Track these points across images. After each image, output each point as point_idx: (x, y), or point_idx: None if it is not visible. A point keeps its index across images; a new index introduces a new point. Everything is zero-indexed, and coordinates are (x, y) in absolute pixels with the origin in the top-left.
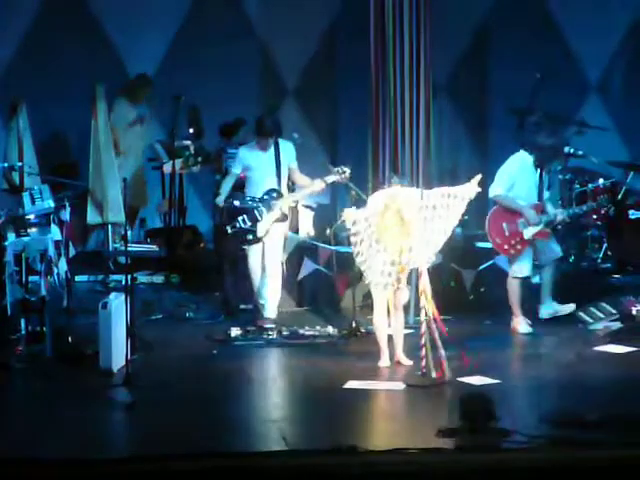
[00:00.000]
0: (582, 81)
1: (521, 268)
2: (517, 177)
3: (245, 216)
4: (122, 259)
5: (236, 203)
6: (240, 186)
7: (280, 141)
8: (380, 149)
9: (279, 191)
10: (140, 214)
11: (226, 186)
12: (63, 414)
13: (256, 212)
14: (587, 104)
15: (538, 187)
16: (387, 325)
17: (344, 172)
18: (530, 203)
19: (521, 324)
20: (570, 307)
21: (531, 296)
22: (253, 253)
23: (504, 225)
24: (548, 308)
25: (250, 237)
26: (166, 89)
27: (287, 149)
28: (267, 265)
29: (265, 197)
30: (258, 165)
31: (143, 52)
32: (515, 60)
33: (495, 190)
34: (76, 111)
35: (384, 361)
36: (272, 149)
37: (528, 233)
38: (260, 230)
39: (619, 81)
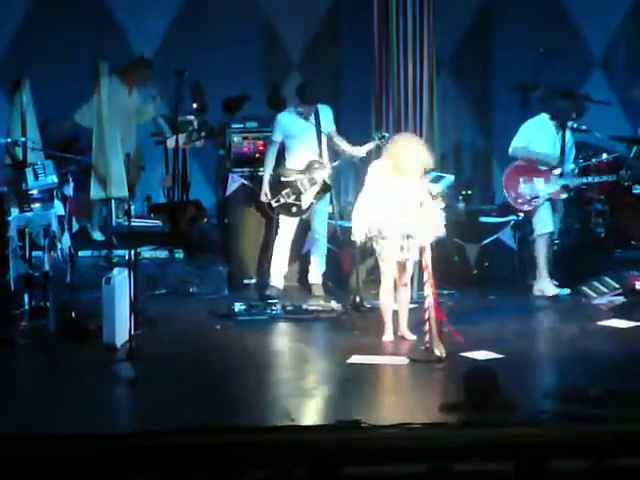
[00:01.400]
0: (586, 57)
1: (544, 223)
2: (534, 135)
3: (289, 189)
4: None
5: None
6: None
7: (319, 106)
8: (384, 125)
9: (321, 162)
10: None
11: (270, 159)
12: (66, 389)
13: (299, 185)
14: (591, 80)
15: (560, 152)
16: (393, 300)
17: (383, 137)
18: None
19: (548, 286)
20: (564, 291)
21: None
22: (286, 228)
23: (521, 180)
24: (540, 285)
25: (294, 210)
26: (170, 64)
27: (326, 114)
28: (315, 233)
29: (307, 169)
30: (299, 133)
31: (147, 29)
32: (519, 37)
33: (513, 144)
34: (80, 88)
35: (388, 336)
36: (313, 117)
37: (545, 191)
38: (304, 202)
39: (623, 57)
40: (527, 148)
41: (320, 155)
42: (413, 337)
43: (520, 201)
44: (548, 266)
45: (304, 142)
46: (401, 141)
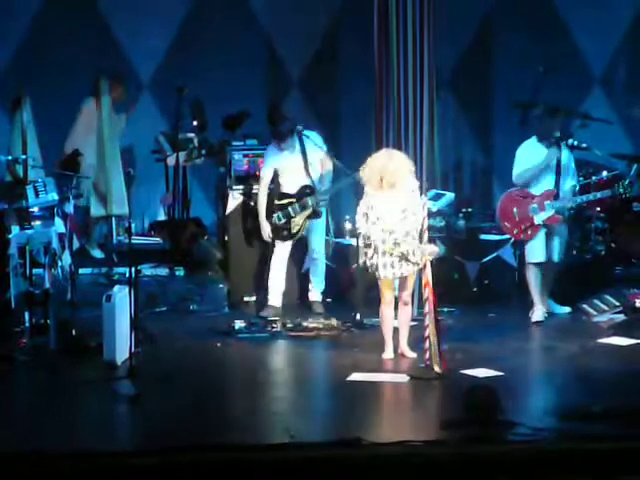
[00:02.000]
0: (586, 74)
1: (534, 253)
2: (527, 159)
3: (280, 213)
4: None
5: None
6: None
7: (304, 135)
8: (384, 143)
9: (312, 187)
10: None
11: (262, 198)
12: (67, 406)
13: (290, 209)
14: (591, 97)
15: (555, 173)
16: (393, 318)
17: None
18: (544, 190)
19: (535, 312)
20: (564, 309)
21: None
22: (280, 249)
23: (514, 210)
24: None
25: (285, 233)
26: (170, 82)
27: (312, 140)
28: (314, 252)
29: (298, 194)
30: (287, 165)
31: (147, 46)
32: (519, 55)
33: (513, 173)
34: (79, 106)
35: (388, 353)
36: (298, 146)
37: (539, 218)
38: (294, 227)
39: (623, 74)
40: (525, 170)
41: (312, 180)
42: (413, 355)
43: (515, 231)
44: (543, 292)
45: (293, 171)
46: (370, 159)
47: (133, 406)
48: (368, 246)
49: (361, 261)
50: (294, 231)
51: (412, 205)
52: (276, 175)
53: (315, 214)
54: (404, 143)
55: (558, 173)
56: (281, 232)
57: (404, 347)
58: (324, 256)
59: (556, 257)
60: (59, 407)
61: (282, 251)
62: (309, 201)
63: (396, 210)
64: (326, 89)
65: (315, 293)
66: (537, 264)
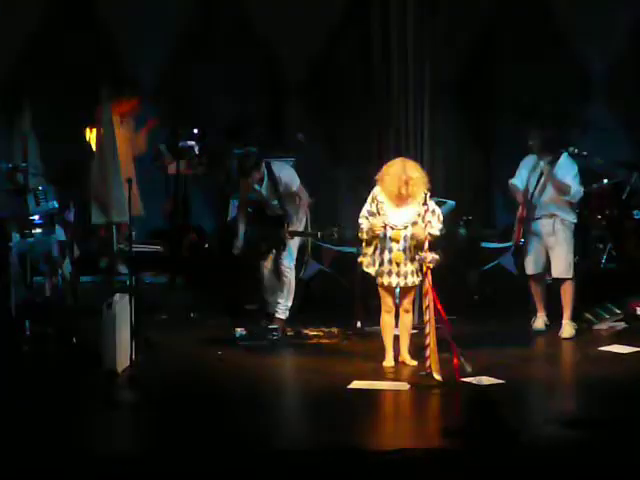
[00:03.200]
0: (587, 81)
1: (525, 264)
2: (519, 171)
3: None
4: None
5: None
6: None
7: (274, 166)
8: (384, 151)
9: (282, 220)
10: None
11: (241, 223)
12: (67, 415)
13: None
14: (592, 104)
15: (535, 185)
16: (394, 326)
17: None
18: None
19: (536, 321)
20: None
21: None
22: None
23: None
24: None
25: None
26: (170, 90)
27: (282, 176)
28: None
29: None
30: (261, 197)
31: (147, 54)
32: (520, 62)
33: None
34: (80, 114)
35: (388, 361)
36: (266, 178)
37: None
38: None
39: (624, 81)
40: (512, 184)
41: (284, 210)
42: (413, 363)
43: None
44: (541, 302)
45: (267, 203)
46: (386, 167)
47: (133, 414)
48: (369, 244)
49: (362, 259)
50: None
51: (422, 216)
52: None
53: (278, 246)
54: (404, 151)
55: (537, 186)
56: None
57: (405, 355)
58: (292, 272)
59: (553, 272)
60: (59, 415)
61: (263, 267)
62: (274, 233)
63: (406, 219)
64: (326, 96)
65: (279, 308)
66: (530, 276)
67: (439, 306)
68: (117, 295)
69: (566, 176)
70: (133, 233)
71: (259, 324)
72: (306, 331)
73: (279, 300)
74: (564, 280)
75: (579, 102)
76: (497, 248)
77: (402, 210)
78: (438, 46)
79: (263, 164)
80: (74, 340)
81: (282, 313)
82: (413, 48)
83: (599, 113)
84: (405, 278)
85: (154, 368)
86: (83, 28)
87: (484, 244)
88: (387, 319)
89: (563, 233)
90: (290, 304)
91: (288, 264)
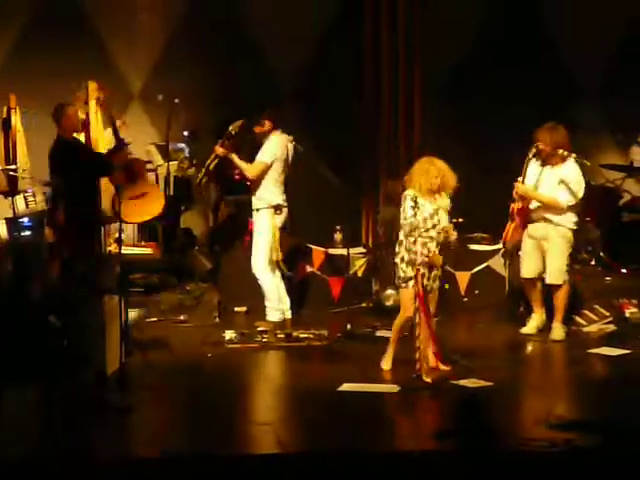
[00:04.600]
0: (575, 85)
1: (521, 267)
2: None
3: None
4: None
5: None
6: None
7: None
8: (375, 152)
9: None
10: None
11: None
12: (56, 417)
13: None
14: (581, 108)
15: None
16: (404, 330)
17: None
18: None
19: (528, 322)
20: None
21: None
22: None
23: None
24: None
25: None
26: (161, 92)
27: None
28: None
29: None
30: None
31: (137, 55)
32: (509, 69)
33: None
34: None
35: (386, 363)
36: None
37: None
38: None
39: (612, 85)
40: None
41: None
42: (447, 368)
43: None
44: (537, 304)
45: None
46: (420, 165)
47: (123, 416)
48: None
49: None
50: None
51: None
52: None
53: None
54: (395, 152)
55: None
56: None
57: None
58: (262, 274)
59: (547, 278)
60: (48, 418)
61: None
62: None
63: (443, 214)
64: (316, 99)
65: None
66: (525, 279)
67: (424, 309)
68: (107, 296)
69: (568, 183)
70: (123, 235)
71: (250, 326)
72: (296, 333)
73: (265, 303)
74: (558, 286)
75: (567, 106)
76: (487, 251)
77: (437, 204)
78: (431, 44)
79: None
80: (64, 342)
81: (271, 315)
82: (403, 46)
83: (587, 117)
84: (429, 281)
85: (143, 370)
86: (70, 29)
87: (473, 246)
88: (401, 322)
89: (557, 239)
90: (279, 306)
91: (257, 266)
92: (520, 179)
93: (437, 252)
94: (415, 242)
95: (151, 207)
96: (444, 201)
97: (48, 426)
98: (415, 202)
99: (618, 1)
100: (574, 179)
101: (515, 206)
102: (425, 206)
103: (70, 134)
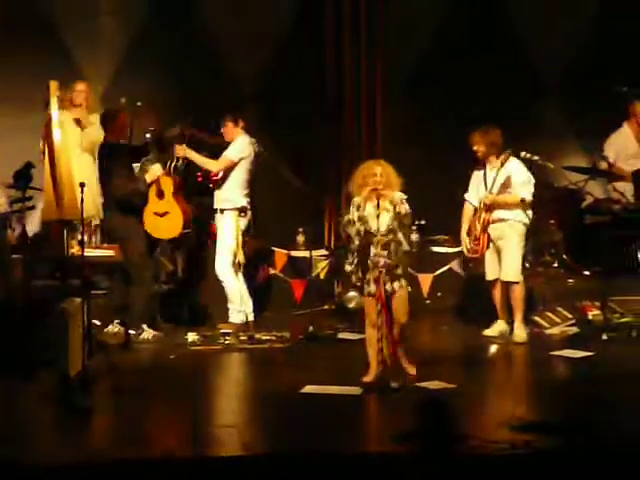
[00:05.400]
0: (540, 86)
1: (485, 270)
2: (472, 186)
3: None
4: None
5: None
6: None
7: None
8: (338, 153)
9: None
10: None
11: None
12: (19, 419)
13: None
14: (545, 109)
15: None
16: (378, 338)
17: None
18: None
19: (492, 326)
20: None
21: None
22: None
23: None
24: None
25: None
26: (123, 95)
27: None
28: None
29: None
30: None
31: (99, 59)
32: (474, 64)
33: None
34: (32, 115)
35: (370, 376)
36: None
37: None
38: None
39: (577, 86)
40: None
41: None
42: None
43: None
44: (501, 308)
45: None
46: (361, 168)
47: (85, 418)
48: (354, 252)
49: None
50: None
51: (399, 215)
52: None
53: None
54: (358, 152)
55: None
56: None
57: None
58: (225, 277)
59: (502, 275)
60: (10, 420)
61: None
62: None
63: (385, 216)
64: (277, 98)
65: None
66: (489, 282)
67: (385, 311)
68: (70, 299)
69: (516, 182)
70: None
71: (213, 328)
72: (259, 335)
73: (228, 305)
74: (513, 284)
75: (532, 104)
76: (449, 253)
77: (380, 206)
78: (393, 43)
79: None
80: (26, 344)
81: (234, 317)
82: (365, 44)
83: (551, 117)
84: (385, 285)
85: (106, 372)
86: (33, 30)
87: (435, 249)
88: (372, 332)
89: (511, 237)
90: (242, 308)
91: (221, 268)
92: (487, 191)
93: (385, 254)
94: (364, 247)
95: (167, 229)
96: (388, 202)
97: (8, 426)
98: (358, 208)
99: None
100: (520, 176)
101: (486, 217)
102: (369, 209)
103: (118, 139)
